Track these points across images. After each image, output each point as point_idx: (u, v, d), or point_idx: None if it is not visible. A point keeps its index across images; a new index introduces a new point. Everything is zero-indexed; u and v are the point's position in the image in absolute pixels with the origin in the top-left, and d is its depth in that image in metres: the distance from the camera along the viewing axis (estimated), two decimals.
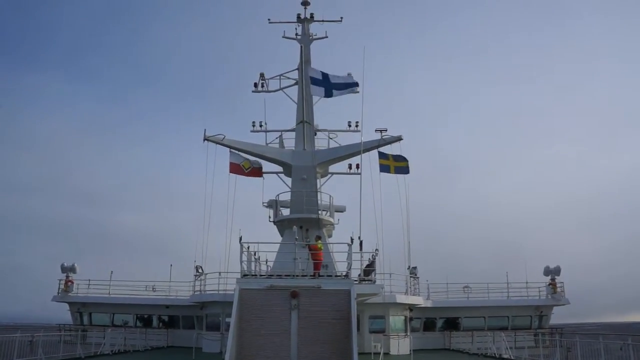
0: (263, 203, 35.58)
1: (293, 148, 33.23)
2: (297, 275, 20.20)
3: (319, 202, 31.16)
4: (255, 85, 34.17)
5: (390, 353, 25.39)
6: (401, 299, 26.74)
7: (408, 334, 27.18)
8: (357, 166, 33.14)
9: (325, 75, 25.84)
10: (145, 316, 31.79)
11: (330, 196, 32.60)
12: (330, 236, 33.18)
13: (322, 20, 34.48)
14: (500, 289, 31.46)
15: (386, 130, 29.49)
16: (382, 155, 29.06)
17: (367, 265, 23.09)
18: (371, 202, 25.87)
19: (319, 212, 30.55)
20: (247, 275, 20.69)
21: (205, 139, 30.12)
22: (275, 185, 34.70)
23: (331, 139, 35.61)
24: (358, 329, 21.26)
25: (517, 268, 32.94)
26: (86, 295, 31.72)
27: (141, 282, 31.75)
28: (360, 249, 21.38)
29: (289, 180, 32.74)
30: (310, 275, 20.73)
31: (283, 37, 34.37)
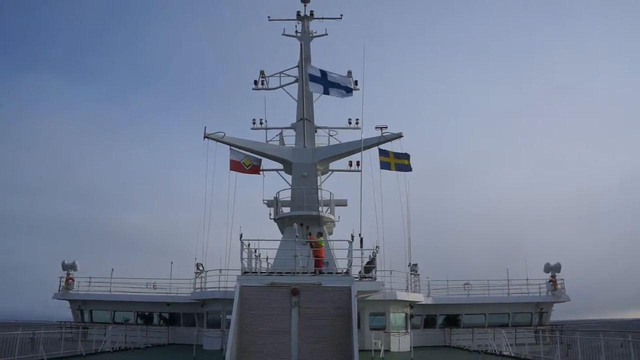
0: (263, 200, 35.64)
1: (293, 145, 33.25)
2: (298, 273, 20.21)
3: (320, 198, 31.18)
4: (256, 82, 34.22)
5: (391, 350, 25.42)
6: (402, 296, 26.75)
7: (408, 331, 27.21)
8: (358, 163, 33.27)
9: (323, 73, 25.82)
10: (146, 314, 31.82)
11: (330, 193, 32.64)
12: (330, 233, 33.24)
13: (322, 18, 34.50)
14: (500, 286, 31.47)
15: (386, 128, 29.51)
16: (382, 153, 29.05)
17: (368, 263, 23.09)
18: (371, 200, 25.90)
19: (320, 207, 30.57)
20: (247, 272, 20.71)
21: (205, 137, 30.14)
22: (276, 182, 34.77)
23: (331, 136, 35.69)
24: (359, 326, 21.28)
25: (517, 265, 32.96)
26: (87, 292, 31.74)
27: (142, 280, 31.74)
28: (361, 246, 21.39)
29: (289, 178, 32.76)
30: (311, 273, 20.76)
31: (283, 34, 34.41)
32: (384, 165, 28.75)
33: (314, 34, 34.38)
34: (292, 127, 34.89)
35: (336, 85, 25.44)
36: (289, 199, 31.85)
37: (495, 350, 25.07)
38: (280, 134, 36.01)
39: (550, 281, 31.17)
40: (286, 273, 20.41)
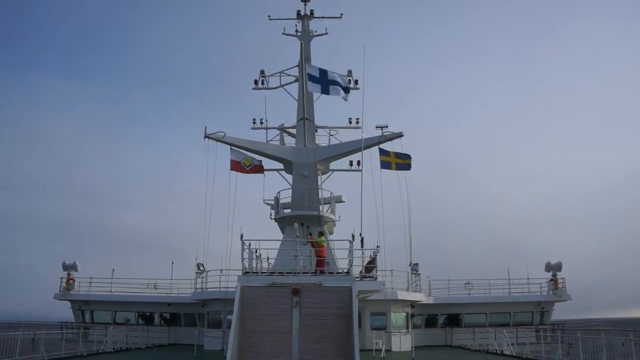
0: (264, 200, 35.62)
1: (294, 145, 33.22)
2: (299, 273, 20.20)
3: (320, 197, 31.15)
4: (256, 82, 34.18)
5: (392, 350, 25.41)
6: (403, 295, 26.73)
7: (410, 330, 27.20)
8: (358, 163, 33.22)
9: (323, 72, 25.72)
10: (147, 314, 31.82)
11: (331, 193, 32.62)
12: (331, 233, 33.21)
13: (322, 17, 34.45)
14: (501, 285, 31.43)
15: (387, 127, 29.44)
16: (383, 152, 29.01)
17: (369, 262, 23.08)
18: (372, 199, 25.88)
19: (320, 207, 30.53)
20: (248, 272, 20.69)
21: (206, 137, 30.11)
22: (276, 182, 34.74)
23: (332, 135, 35.66)
24: (360, 326, 21.26)
25: (518, 264, 32.94)
26: (88, 293, 31.74)
27: (143, 280, 31.74)
28: (362, 245, 21.38)
29: (290, 178, 32.73)
30: (312, 272, 20.74)
31: (283, 33, 34.36)
32: (385, 165, 28.71)
33: (314, 33, 34.34)
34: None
35: (335, 84, 25.35)
36: (290, 198, 31.82)
37: (496, 350, 25.05)
38: (281, 133, 36.01)
39: (551, 280, 31.15)
40: (287, 273, 20.39)
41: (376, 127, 29.41)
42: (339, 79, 25.64)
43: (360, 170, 27.44)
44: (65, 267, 31.87)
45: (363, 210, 22.83)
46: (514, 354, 24.11)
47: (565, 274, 31.39)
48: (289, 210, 31.45)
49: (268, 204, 35.58)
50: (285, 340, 18.40)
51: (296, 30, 34.33)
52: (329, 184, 34.82)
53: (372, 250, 22.90)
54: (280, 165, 33.93)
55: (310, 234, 26.10)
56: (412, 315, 28.22)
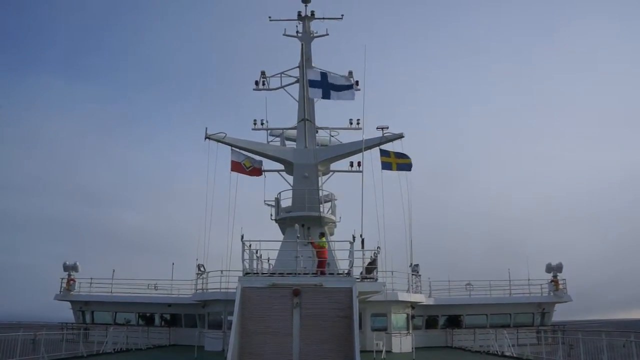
0: (265, 201, 35.62)
1: (294, 146, 33.21)
2: (299, 273, 20.19)
3: (321, 197, 31.13)
4: (257, 83, 34.17)
5: (393, 351, 25.40)
6: (403, 296, 26.72)
7: (410, 331, 27.17)
8: (359, 164, 33.23)
9: (323, 76, 25.67)
10: (148, 315, 31.82)
11: (331, 194, 32.60)
12: (332, 234, 33.18)
13: (323, 18, 34.47)
14: (502, 286, 31.43)
15: (387, 128, 29.44)
16: (383, 153, 29.01)
17: (369, 263, 23.07)
18: (373, 200, 25.87)
19: (321, 207, 30.49)
20: (249, 273, 20.69)
21: (206, 138, 30.11)
22: (277, 183, 34.74)
23: (332, 136, 35.64)
24: (360, 327, 21.23)
25: (518, 264, 32.92)
26: (88, 293, 31.75)
27: (143, 281, 31.79)
28: (362, 246, 21.36)
29: (290, 179, 32.72)
30: (312, 273, 20.73)
31: (284, 34, 34.37)
32: (385, 166, 28.71)
33: (315, 34, 34.36)
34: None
35: (337, 88, 25.32)
36: (290, 199, 31.82)
37: (497, 351, 25.03)
38: (282, 134, 35.99)
39: (552, 281, 31.13)
40: (287, 274, 20.38)
41: (377, 128, 29.46)
42: (340, 81, 25.61)
43: (361, 171, 27.48)
44: (66, 268, 31.89)
45: (364, 211, 22.85)
46: (514, 355, 24.08)
47: (566, 275, 31.43)
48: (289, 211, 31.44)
49: (269, 204, 35.57)
50: (286, 341, 18.37)
51: (297, 31, 34.35)
52: (330, 185, 34.85)
53: (373, 252, 22.91)
54: (281, 166, 33.92)
55: (311, 238, 26.10)
56: (413, 317, 28.20)
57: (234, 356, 17.66)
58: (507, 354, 24.39)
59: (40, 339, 21.14)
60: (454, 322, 30.94)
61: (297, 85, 33.77)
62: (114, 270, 31.76)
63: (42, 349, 20.95)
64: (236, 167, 29.78)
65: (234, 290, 20.08)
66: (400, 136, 29.96)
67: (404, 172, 29.00)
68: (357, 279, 21.19)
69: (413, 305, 28.13)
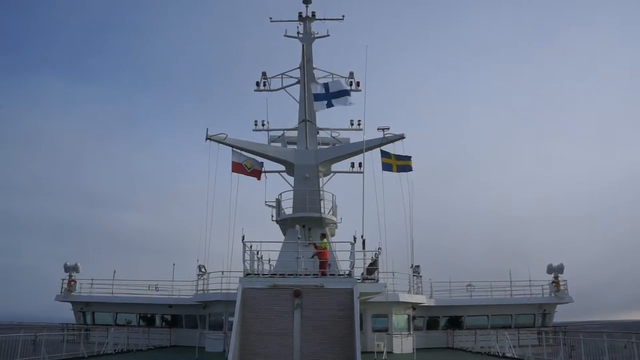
0: (266, 202, 35.59)
1: (295, 147, 33.20)
2: (300, 274, 20.19)
3: (322, 198, 31.10)
4: (258, 84, 34.18)
5: (394, 352, 25.38)
6: (404, 297, 26.70)
7: (411, 332, 27.16)
8: (360, 165, 33.21)
9: (325, 87, 25.89)
10: (148, 315, 31.84)
11: (332, 195, 32.60)
12: (333, 235, 33.15)
13: (324, 19, 34.47)
14: (503, 287, 31.41)
15: (388, 129, 29.42)
16: (384, 154, 29.01)
17: (370, 264, 23.06)
18: (374, 201, 25.85)
19: (322, 208, 30.46)
20: (250, 274, 20.69)
21: (207, 138, 30.11)
22: (278, 184, 34.73)
23: (334, 137, 35.62)
24: (361, 328, 21.22)
25: (519, 264, 32.94)
26: (89, 294, 31.77)
27: (144, 282, 31.82)
28: (363, 247, 21.35)
29: (291, 180, 32.71)
30: (313, 274, 20.72)
31: (285, 35, 34.37)
32: (386, 167, 28.71)
33: (316, 35, 34.37)
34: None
35: (335, 95, 25.48)
36: (291, 200, 31.79)
37: (498, 352, 24.99)
38: (283, 135, 36.00)
39: (553, 282, 31.09)
40: (288, 275, 20.38)
41: (378, 129, 29.43)
42: (338, 87, 25.75)
43: (362, 172, 27.47)
44: (67, 269, 31.91)
45: (365, 212, 22.83)
46: (515, 357, 24.05)
47: (567, 276, 31.40)
48: (290, 212, 31.43)
49: (270, 205, 35.56)
50: (287, 342, 18.37)
51: (298, 32, 34.37)
52: (331, 186, 34.83)
53: (374, 252, 22.90)
54: (282, 167, 33.91)
55: (313, 242, 26.08)
56: (414, 318, 28.19)
57: (235, 357, 17.66)
58: (508, 355, 24.35)
59: (41, 340, 21.15)
60: (455, 323, 30.91)
61: (298, 86, 33.77)
62: (114, 271, 31.83)
63: (43, 349, 20.97)
64: (237, 168, 29.77)
65: (235, 291, 20.07)
66: (401, 137, 29.94)
67: (404, 173, 29.02)
68: (358, 280, 21.19)
69: (414, 306, 28.12)
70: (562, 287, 30.93)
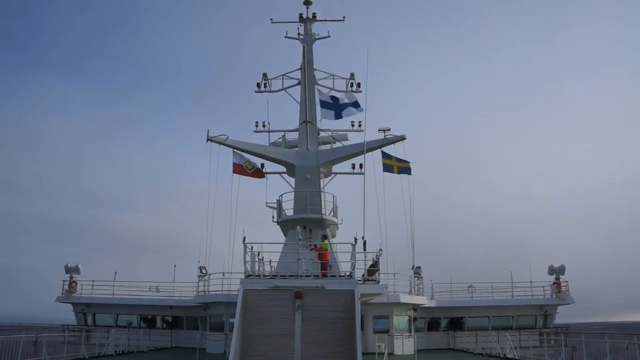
0: (267, 203, 35.57)
1: (296, 148, 33.18)
2: (301, 276, 20.17)
3: (323, 200, 31.08)
4: (258, 85, 34.16)
5: (395, 353, 25.34)
6: (405, 298, 26.68)
7: (412, 333, 27.14)
8: (361, 166, 33.17)
9: (334, 99, 26.12)
10: (149, 317, 31.83)
11: (333, 196, 32.56)
12: (334, 236, 33.11)
13: (324, 20, 34.47)
14: (504, 288, 31.36)
15: (389, 130, 29.40)
16: (385, 155, 28.99)
17: (371, 265, 23.04)
18: (375, 202, 25.83)
19: (323, 209, 30.43)
20: (250, 275, 20.67)
21: (208, 140, 30.10)
22: (279, 185, 34.71)
23: (334, 138, 35.59)
24: (362, 329, 21.19)
25: (520, 265, 32.89)
26: (90, 296, 31.79)
27: (145, 283, 31.83)
28: (364, 248, 21.33)
29: (292, 181, 32.70)
30: (314, 276, 20.70)
31: (285, 37, 34.36)
32: (387, 168, 28.69)
33: (317, 36, 34.35)
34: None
35: (346, 106, 25.71)
36: (292, 202, 31.77)
37: (499, 353, 24.95)
38: (283, 136, 35.97)
39: (554, 283, 31.06)
40: (289, 276, 20.35)
41: (379, 130, 29.39)
42: (348, 100, 25.99)
43: (363, 173, 27.44)
44: (68, 270, 31.91)
45: (366, 213, 22.82)
46: (517, 358, 24.01)
47: (568, 276, 31.36)
48: (291, 213, 31.42)
49: (270, 207, 35.55)
50: (288, 343, 18.35)
51: (298, 34, 34.37)
52: (332, 187, 34.81)
53: (375, 254, 22.87)
54: (283, 168, 33.90)
55: (314, 243, 26.08)
56: (415, 319, 28.16)
57: (236, 358, 17.63)
58: (510, 356, 24.32)
59: (42, 341, 21.18)
60: (456, 324, 30.87)
61: (298, 87, 33.75)
62: (115, 273, 31.86)
63: (44, 350, 20.99)
64: (238, 169, 29.77)
65: (236, 293, 20.05)
66: (402, 138, 29.90)
67: (405, 175, 28.99)
68: (359, 281, 21.17)
69: (415, 307, 28.09)
70: (563, 288, 30.88)
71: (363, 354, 17.79)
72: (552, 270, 31.33)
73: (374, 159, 29.01)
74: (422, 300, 28.55)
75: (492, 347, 26.18)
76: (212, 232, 27.31)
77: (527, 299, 31.26)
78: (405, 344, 26.06)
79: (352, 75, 33.68)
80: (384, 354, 22.57)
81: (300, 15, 34.51)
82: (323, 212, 30.50)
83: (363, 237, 21.32)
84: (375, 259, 22.99)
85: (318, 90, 27.96)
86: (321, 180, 32.57)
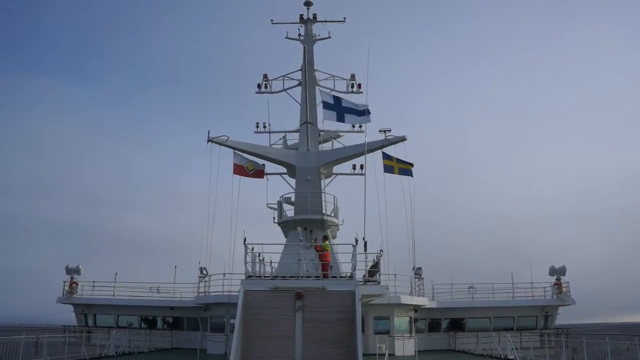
0: (267, 204, 35.60)
1: (297, 149, 33.20)
2: (302, 277, 20.16)
3: (324, 201, 31.09)
4: (259, 86, 34.20)
5: (395, 354, 25.33)
6: (406, 299, 26.68)
7: (413, 334, 27.13)
8: (362, 167, 33.18)
9: (337, 99, 26.10)
10: (150, 318, 31.83)
11: (334, 197, 32.57)
12: (334, 237, 33.14)
13: (325, 21, 34.52)
14: (505, 289, 31.37)
15: (390, 131, 29.40)
16: (386, 156, 28.98)
17: (372, 266, 23.03)
18: (375, 203, 25.82)
19: (324, 210, 30.44)
20: (251, 276, 20.67)
21: (209, 140, 30.11)
22: (280, 186, 34.74)
23: (335, 139, 35.62)
24: (363, 330, 21.18)
25: (521, 265, 32.87)
26: (91, 296, 31.80)
27: (146, 284, 31.82)
28: (365, 249, 21.32)
29: (293, 182, 32.72)
30: (315, 277, 20.70)
31: (286, 38, 34.41)
32: (388, 169, 28.68)
33: (317, 37, 34.39)
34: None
35: (351, 111, 25.72)
36: (293, 202, 31.79)
37: (500, 354, 24.93)
38: (284, 137, 36.00)
39: (555, 284, 31.05)
40: (290, 277, 20.35)
41: (379, 130, 29.39)
42: (352, 106, 26.00)
43: (364, 174, 27.45)
44: (69, 271, 31.92)
45: (366, 214, 22.81)
46: (517, 359, 23.99)
47: (569, 277, 31.34)
48: (292, 214, 31.42)
49: (271, 207, 35.57)
50: (288, 344, 18.35)
51: (299, 34, 34.41)
52: (332, 188, 34.82)
53: (376, 255, 22.86)
54: (284, 169, 33.91)
55: (315, 239, 26.10)
56: (416, 320, 28.14)
57: (237, 359, 17.64)
58: (511, 357, 24.29)
59: (43, 342, 21.18)
60: (456, 325, 30.85)
61: (299, 88, 33.77)
62: (116, 274, 31.87)
63: (45, 351, 21.01)
64: (238, 170, 29.79)
65: (237, 294, 20.05)
66: (403, 139, 29.90)
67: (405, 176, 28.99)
68: (360, 282, 21.16)
69: (416, 308, 28.08)
70: (564, 289, 30.86)
71: (364, 355, 17.79)
72: (553, 271, 31.31)
73: (374, 159, 29.05)
74: (423, 301, 28.54)
75: (493, 348, 26.15)
76: (213, 233, 27.34)
77: (528, 299, 31.24)
78: (406, 345, 26.04)
79: (352, 76, 33.73)
80: (384, 355, 22.56)
81: (301, 16, 34.55)
82: (324, 212, 30.48)
83: (364, 238, 21.32)
84: (376, 259, 22.97)
85: (320, 91, 27.93)
86: (322, 181, 32.58)
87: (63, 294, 31.62)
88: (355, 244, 20.32)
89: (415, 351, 24.54)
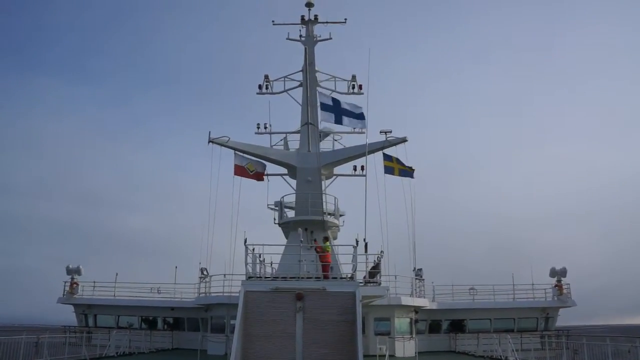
0: (268, 205, 35.62)
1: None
2: (302, 278, 20.16)
3: (325, 202, 31.10)
4: (260, 87, 34.23)
5: (396, 355, 25.32)
6: (406, 301, 26.67)
7: (413, 336, 27.11)
8: (362, 168, 33.18)
9: (335, 101, 26.11)
10: (150, 318, 31.82)
11: (335, 198, 32.56)
12: (335, 238, 33.15)
13: (326, 22, 34.55)
14: (506, 290, 31.34)
15: (391, 132, 29.41)
16: (386, 157, 29.01)
17: (373, 267, 23.01)
18: (376, 204, 25.82)
19: (324, 211, 30.45)
20: (252, 277, 20.66)
21: (209, 141, 30.12)
22: (280, 187, 34.76)
23: (336, 140, 35.63)
24: (363, 331, 21.17)
25: (521, 265, 32.84)
26: (91, 297, 31.80)
27: (146, 284, 31.83)
28: (366, 250, 21.32)
29: (293, 183, 32.73)
30: (316, 278, 20.70)
31: (287, 38, 34.45)
32: (388, 170, 28.72)
33: (318, 38, 34.43)
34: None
35: (348, 114, 25.74)
36: (294, 203, 31.80)
37: (500, 356, 24.92)
38: (285, 138, 36.01)
39: (556, 286, 31.02)
40: (291, 278, 20.35)
41: (380, 132, 29.39)
42: (350, 108, 26.01)
43: (365, 175, 27.46)
44: (69, 271, 31.93)
45: (367, 215, 22.80)
46: None
47: (570, 279, 31.31)
48: (292, 215, 31.44)
49: (272, 208, 35.58)
50: (289, 345, 18.35)
51: (300, 35, 34.44)
52: (333, 189, 34.84)
53: (376, 255, 22.85)
54: (284, 170, 33.92)
55: (315, 240, 26.10)
56: (416, 321, 28.12)
57: None
58: (511, 358, 24.28)
59: (43, 342, 21.20)
60: (457, 326, 30.83)
61: (300, 89, 33.80)
62: (117, 274, 31.88)
63: (45, 352, 21.02)
64: (239, 171, 29.80)
65: (237, 294, 20.04)
66: (404, 140, 29.91)
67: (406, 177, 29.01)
68: (361, 283, 21.15)
69: (416, 309, 28.06)
70: (565, 291, 30.84)
71: (364, 356, 17.76)
72: (553, 273, 31.28)
73: (375, 161, 29.07)
74: (424, 303, 28.53)
75: (493, 349, 26.14)
76: (213, 233, 27.38)
77: (528, 301, 31.21)
78: (406, 346, 26.03)
79: (353, 77, 33.77)
80: (385, 356, 22.55)
81: (302, 17, 34.59)
82: (325, 211, 30.48)
83: (364, 239, 21.31)
84: (376, 260, 22.96)
85: (319, 92, 27.97)
86: (323, 182, 32.59)
87: (63, 294, 31.62)
88: (355, 245, 20.32)
89: (415, 352, 24.54)
